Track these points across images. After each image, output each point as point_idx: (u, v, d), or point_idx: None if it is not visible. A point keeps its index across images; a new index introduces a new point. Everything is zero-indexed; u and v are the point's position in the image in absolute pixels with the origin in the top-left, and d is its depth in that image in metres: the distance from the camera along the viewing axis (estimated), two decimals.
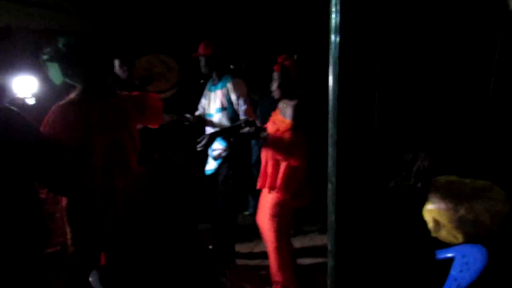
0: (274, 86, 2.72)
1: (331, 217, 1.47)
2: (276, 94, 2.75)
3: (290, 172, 2.69)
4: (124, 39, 4.20)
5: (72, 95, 2.21)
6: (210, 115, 3.27)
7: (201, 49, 3.20)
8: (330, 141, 1.38)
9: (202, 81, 3.64)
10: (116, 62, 3.12)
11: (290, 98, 2.71)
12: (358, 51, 1.31)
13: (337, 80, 1.33)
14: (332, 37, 1.30)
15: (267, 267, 2.93)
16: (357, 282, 1.43)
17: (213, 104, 3.24)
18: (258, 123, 3.26)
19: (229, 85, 3.14)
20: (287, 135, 2.66)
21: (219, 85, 3.21)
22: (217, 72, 3.23)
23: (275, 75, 2.69)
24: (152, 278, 1.71)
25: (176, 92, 3.62)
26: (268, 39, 5.14)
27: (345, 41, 1.29)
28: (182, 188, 1.85)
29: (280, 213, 2.79)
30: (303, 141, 2.71)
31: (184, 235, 1.79)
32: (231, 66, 3.94)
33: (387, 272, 1.77)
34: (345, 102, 1.33)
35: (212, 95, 3.24)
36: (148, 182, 1.92)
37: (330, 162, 1.41)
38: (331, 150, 1.40)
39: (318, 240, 3.84)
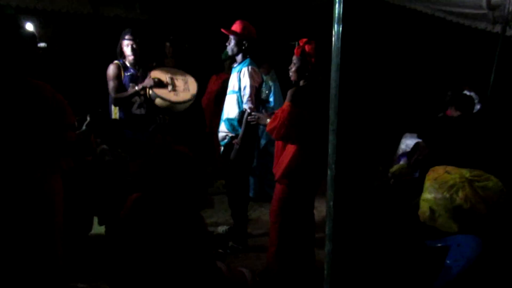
0: (292, 69, 2.67)
1: (330, 203, 1.50)
2: (292, 77, 2.68)
3: (288, 155, 2.60)
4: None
5: None
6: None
7: (235, 27, 3.15)
8: (331, 128, 1.41)
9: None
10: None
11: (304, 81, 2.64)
12: (360, 41, 1.32)
13: (338, 69, 1.35)
14: (335, 26, 1.32)
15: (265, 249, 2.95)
16: (354, 267, 1.47)
17: (230, 85, 3.25)
18: (264, 112, 3.24)
19: (244, 70, 3.14)
20: (280, 115, 2.56)
21: (238, 67, 3.20)
22: (243, 54, 3.20)
23: (294, 59, 2.63)
24: (151, 259, 1.76)
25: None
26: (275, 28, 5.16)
27: (347, 31, 1.31)
28: (182, 174, 1.88)
29: (281, 207, 2.68)
30: (302, 122, 2.55)
31: (184, 218, 1.83)
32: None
33: (382, 258, 1.82)
34: (346, 91, 1.35)
35: (232, 76, 3.26)
36: (148, 168, 1.95)
37: (330, 150, 1.44)
38: (331, 137, 1.42)
39: None
